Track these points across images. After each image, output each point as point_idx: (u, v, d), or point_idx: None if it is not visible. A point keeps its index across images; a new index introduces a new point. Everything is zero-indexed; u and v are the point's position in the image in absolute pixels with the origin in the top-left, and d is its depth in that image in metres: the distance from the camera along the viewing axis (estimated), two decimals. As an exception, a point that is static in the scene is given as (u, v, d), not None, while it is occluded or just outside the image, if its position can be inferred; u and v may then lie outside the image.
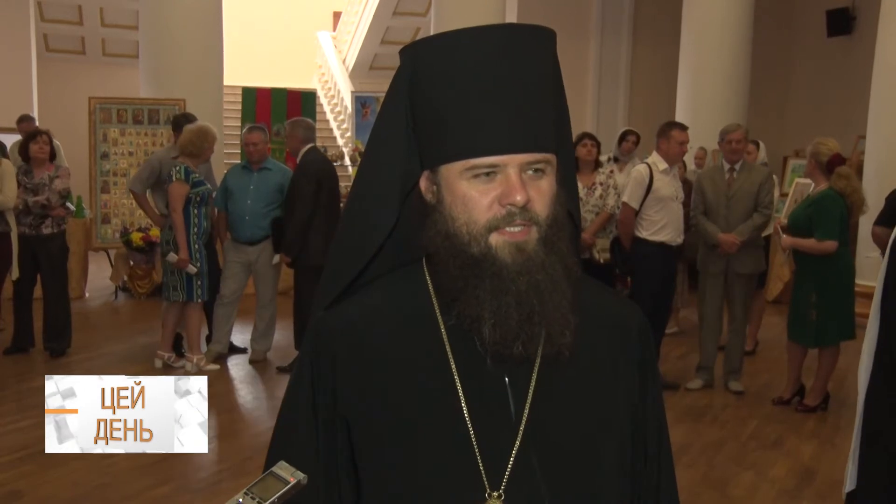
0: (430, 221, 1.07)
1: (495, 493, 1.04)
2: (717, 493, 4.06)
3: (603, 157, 6.63)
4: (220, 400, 5.47)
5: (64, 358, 6.18)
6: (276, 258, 5.99)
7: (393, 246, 1.15)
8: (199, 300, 5.82)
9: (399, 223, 1.12)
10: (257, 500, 1.03)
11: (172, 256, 5.64)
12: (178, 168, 5.66)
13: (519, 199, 1.01)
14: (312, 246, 5.71)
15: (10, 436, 4.61)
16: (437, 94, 1.06)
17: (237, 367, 6.18)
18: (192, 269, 5.66)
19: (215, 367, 5.99)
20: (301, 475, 1.06)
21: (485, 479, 1.05)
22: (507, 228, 1.02)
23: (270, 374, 6.01)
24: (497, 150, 1.03)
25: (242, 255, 6.11)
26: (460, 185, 1.05)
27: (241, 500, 1.03)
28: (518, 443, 1.06)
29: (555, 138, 1.08)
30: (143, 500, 3.83)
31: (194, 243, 5.70)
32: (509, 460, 1.05)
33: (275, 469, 1.07)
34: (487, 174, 1.03)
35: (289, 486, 1.05)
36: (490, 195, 1.03)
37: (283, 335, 6.61)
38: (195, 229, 5.72)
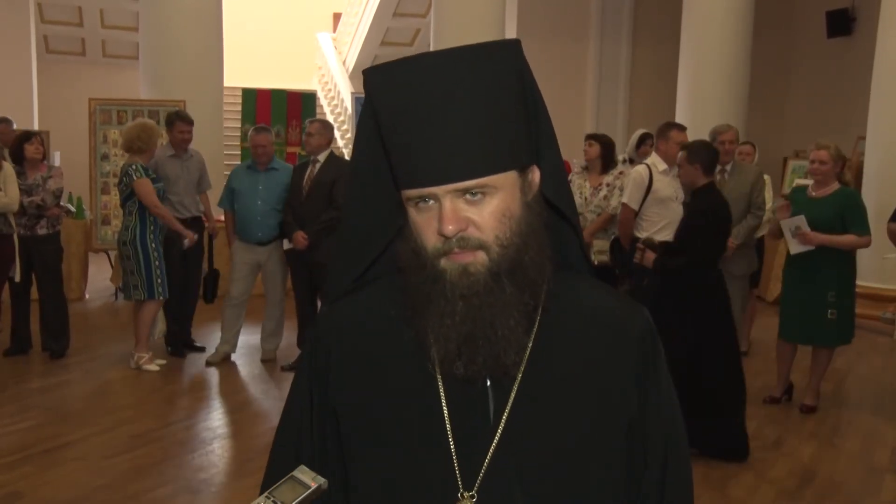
0: (403, 235, 1.09)
1: (468, 494, 1.06)
2: (717, 493, 4.06)
3: (618, 158, 6.54)
4: (222, 401, 5.48)
5: (63, 359, 6.18)
6: (287, 244, 5.91)
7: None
8: (161, 297, 5.79)
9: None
10: (279, 503, 1.04)
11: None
12: (134, 167, 5.66)
13: (450, 229, 1.01)
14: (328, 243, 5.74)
15: (9, 437, 4.61)
16: (383, 122, 1.07)
17: (240, 367, 6.17)
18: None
19: (154, 368, 5.92)
20: (322, 480, 1.08)
21: (459, 478, 1.07)
22: (452, 255, 1.03)
23: (273, 375, 6.00)
24: (421, 182, 1.02)
25: (252, 256, 6.10)
26: (410, 212, 1.06)
27: (262, 503, 1.03)
28: (494, 446, 1.07)
29: (513, 154, 1.05)
30: (143, 501, 3.83)
31: (151, 241, 5.69)
32: (484, 462, 1.07)
33: (296, 473, 1.08)
34: (426, 202, 1.04)
35: (310, 490, 1.06)
36: (433, 224, 1.03)
37: (284, 336, 6.60)
38: (151, 227, 5.72)
